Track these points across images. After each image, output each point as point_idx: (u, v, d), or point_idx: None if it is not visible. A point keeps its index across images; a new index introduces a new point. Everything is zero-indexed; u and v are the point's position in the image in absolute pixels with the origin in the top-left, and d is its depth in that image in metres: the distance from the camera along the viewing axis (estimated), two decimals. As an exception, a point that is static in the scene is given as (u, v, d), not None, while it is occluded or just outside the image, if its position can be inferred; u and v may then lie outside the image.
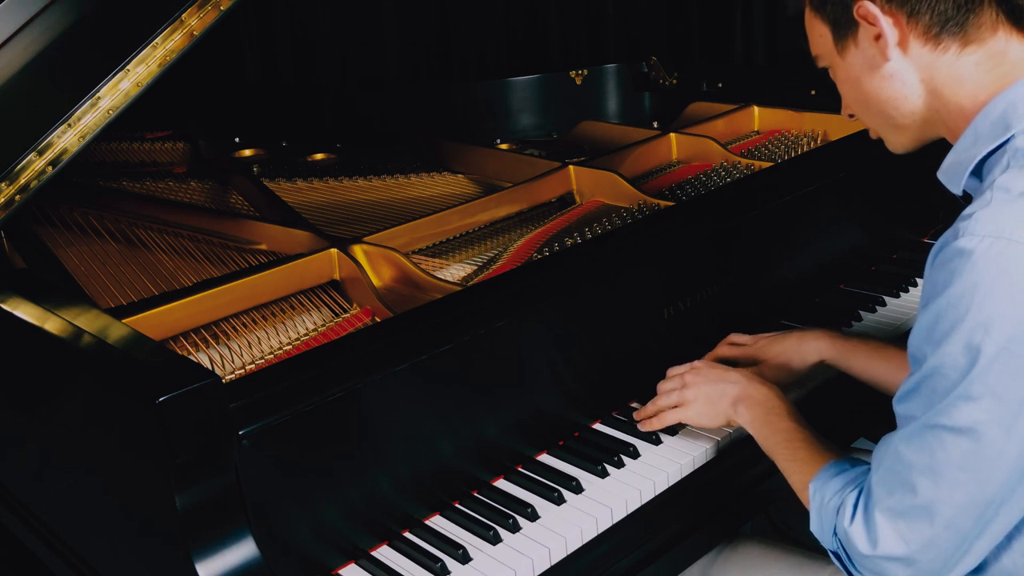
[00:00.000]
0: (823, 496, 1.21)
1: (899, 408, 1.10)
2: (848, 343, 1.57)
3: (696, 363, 1.53)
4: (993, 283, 0.99)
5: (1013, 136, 1.06)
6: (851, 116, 1.27)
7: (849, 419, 1.66)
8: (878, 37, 1.12)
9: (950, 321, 1.01)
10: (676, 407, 1.48)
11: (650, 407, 1.52)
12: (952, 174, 1.14)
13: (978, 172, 1.11)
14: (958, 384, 1.02)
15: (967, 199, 1.13)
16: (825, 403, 1.62)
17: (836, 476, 1.22)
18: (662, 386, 1.53)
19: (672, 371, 1.54)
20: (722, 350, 1.67)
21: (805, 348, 1.59)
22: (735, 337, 1.67)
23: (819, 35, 1.20)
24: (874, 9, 1.10)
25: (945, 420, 1.03)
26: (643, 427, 1.52)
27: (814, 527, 1.22)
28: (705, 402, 1.45)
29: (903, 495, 1.08)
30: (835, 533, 1.17)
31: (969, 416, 1.02)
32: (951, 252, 1.03)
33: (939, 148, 1.20)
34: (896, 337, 1.81)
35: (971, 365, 1.00)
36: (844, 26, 1.15)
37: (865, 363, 1.55)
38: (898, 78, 1.13)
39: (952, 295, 1.01)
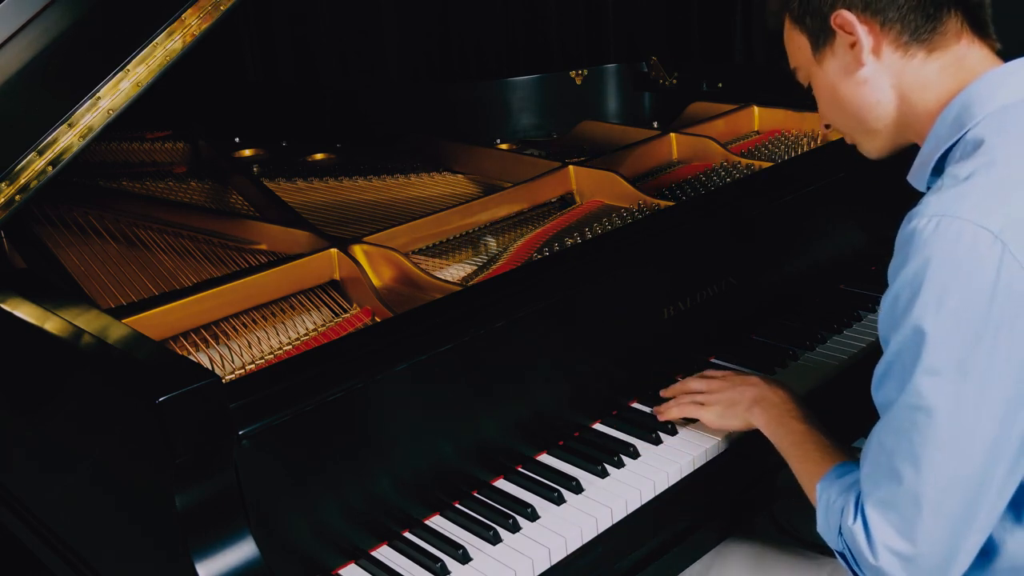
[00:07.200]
0: (829, 496, 1.21)
1: (877, 397, 1.13)
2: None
3: (727, 372, 1.57)
4: (941, 258, 1.03)
5: (967, 132, 1.12)
6: (827, 126, 1.32)
7: (848, 419, 1.65)
8: (853, 44, 1.18)
9: (906, 299, 1.05)
10: (700, 405, 1.51)
11: (672, 402, 1.55)
12: (918, 175, 1.22)
13: (939, 169, 1.17)
14: (919, 359, 1.04)
15: None
16: (824, 404, 1.61)
17: (842, 477, 1.22)
18: (692, 383, 1.56)
19: (708, 373, 1.58)
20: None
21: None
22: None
23: (798, 47, 1.27)
24: (851, 18, 1.17)
25: (914, 399, 1.05)
26: (660, 416, 1.54)
27: (821, 528, 1.22)
28: (727, 404, 1.48)
29: (889, 485, 1.09)
30: (840, 533, 1.17)
31: (935, 391, 1.04)
32: (904, 236, 1.09)
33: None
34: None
35: (928, 339, 1.03)
36: (822, 36, 1.22)
37: None
38: (871, 83, 1.19)
39: (906, 275, 1.06)
